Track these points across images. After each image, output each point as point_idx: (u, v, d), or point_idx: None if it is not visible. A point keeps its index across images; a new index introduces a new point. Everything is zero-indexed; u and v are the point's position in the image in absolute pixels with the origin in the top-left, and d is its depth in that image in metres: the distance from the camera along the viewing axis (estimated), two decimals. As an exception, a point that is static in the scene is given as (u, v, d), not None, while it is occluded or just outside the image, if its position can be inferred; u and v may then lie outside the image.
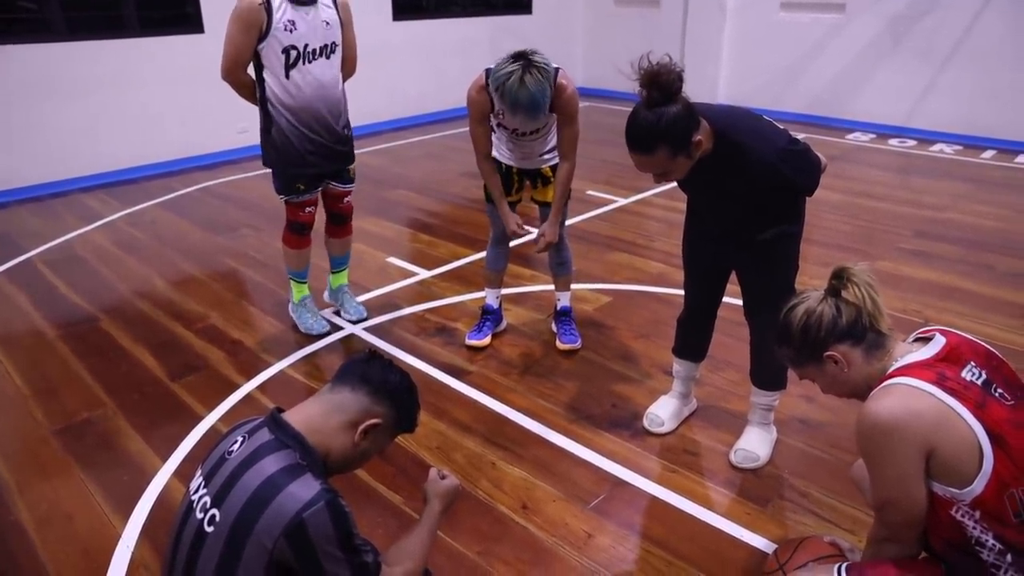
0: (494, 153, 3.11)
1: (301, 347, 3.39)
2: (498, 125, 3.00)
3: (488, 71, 2.76)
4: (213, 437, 2.73)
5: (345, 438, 1.49)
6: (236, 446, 1.43)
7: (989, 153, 7.00)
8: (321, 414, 1.49)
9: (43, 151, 5.92)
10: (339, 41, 3.18)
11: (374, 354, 1.62)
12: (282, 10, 2.99)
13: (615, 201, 5.50)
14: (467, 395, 2.99)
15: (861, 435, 1.51)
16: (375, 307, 3.76)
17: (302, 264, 3.50)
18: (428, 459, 2.60)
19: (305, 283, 3.55)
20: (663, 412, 2.74)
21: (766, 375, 2.52)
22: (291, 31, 3.01)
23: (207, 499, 1.38)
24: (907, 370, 1.51)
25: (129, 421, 2.86)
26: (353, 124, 3.43)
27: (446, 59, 8.32)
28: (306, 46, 3.05)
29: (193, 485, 1.46)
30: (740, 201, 2.22)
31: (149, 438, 2.75)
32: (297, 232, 3.40)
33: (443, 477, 1.76)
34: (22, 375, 3.22)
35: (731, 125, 2.07)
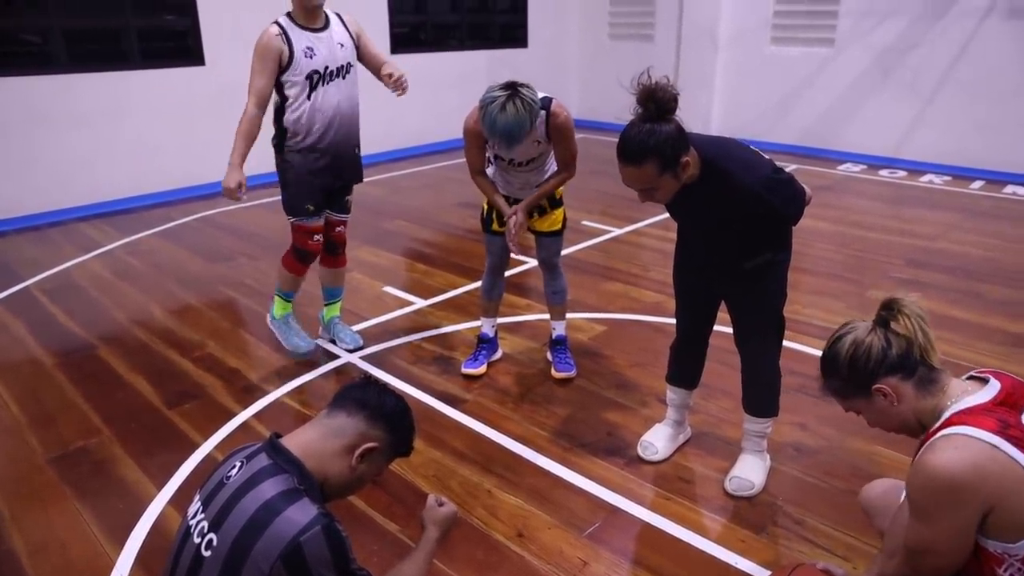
0: None
1: (297, 375, 3.40)
2: (494, 156, 3.06)
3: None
4: (209, 465, 2.73)
5: (342, 462, 1.50)
6: (234, 471, 1.45)
7: (978, 183, 7.10)
8: (318, 439, 1.51)
9: (43, 181, 5.98)
10: (354, 61, 3.26)
11: (370, 379, 1.65)
12: (300, 38, 3.08)
13: (610, 231, 5.56)
14: (463, 423, 3.00)
15: (918, 487, 1.44)
16: (371, 336, 3.78)
17: (295, 288, 3.52)
18: (424, 487, 2.60)
19: (290, 303, 3.53)
20: (657, 440, 2.76)
21: (757, 403, 2.54)
22: (311, 57, 3.10)
23: (204, 524, 1.39)
24: (967, 416, 1.45)
25: (125, 449, 2.86)
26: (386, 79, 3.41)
27: (444, 91, 8.44)
28: (326, 68, 3.14)
29: (191, 510, 1.47)
30: (727, 228, 2.27)
31: (145, 466, 2.75)
32: (300, 260, 3.42)
33: (441, 504, 1.78)
34: (18, 403, 3.22)
35: (718, 154, 2.12)
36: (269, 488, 1.37)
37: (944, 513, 1.41)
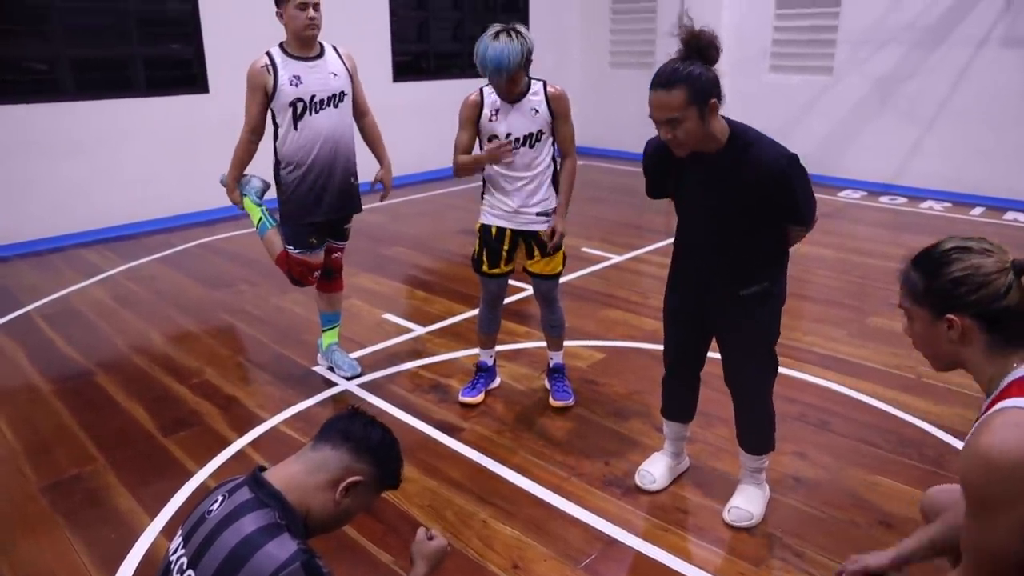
0: (482, 217, 3.17)
1: (294, 403, 3.39)
2: (490, 139, 3.02)
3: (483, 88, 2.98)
4: (203, 494, 2.71)
5: (326, 496, 1.48)
6: (216, 505, 1.43)
7: (978, 210, 7.10)
8: (302, 472, 1.49)
9: (46, 206, 6.02)
10: (348, 91, 3.29)
11: (356, 411, 1.63)
12: (287, 67, 3.13)
13: (610, 258, 5.56)
14: (459, 452, 2.98)
15: (972, 476, 1.29)
16: (369, 363, 3.77)
17: (333, 306, 3.64)
18: (419, 517, 2.57)
19: (334, 330, 3.67)
20: (655, 470, 2.73)
21: (751, 440, 2.52)
22: (297, 85, 3.14)
23: (184, 560, 1.38)
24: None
25: (119, 477, 2.84)
26: (375, 174, 3.52)
27: (445, 119, 8.42)
28: (312, 97, 3.16)
29: (172, 545, 1.45)
30: (734, 221, 2.21)
31: (139, 495, 2.73)
32: (294, 283, 3.49)
33: (431, 538, 1.75)
34: (14, 430, 3.21)
35: (747, 129, 2.17)
36: (250, 523, 1.36)
37: (1005, 505, 1.23)
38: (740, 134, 2.15)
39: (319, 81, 3.18)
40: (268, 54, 3.17)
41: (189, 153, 6.64)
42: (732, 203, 2.21)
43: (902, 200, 7.54)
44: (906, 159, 7.87)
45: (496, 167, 3.03)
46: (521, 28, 2.83)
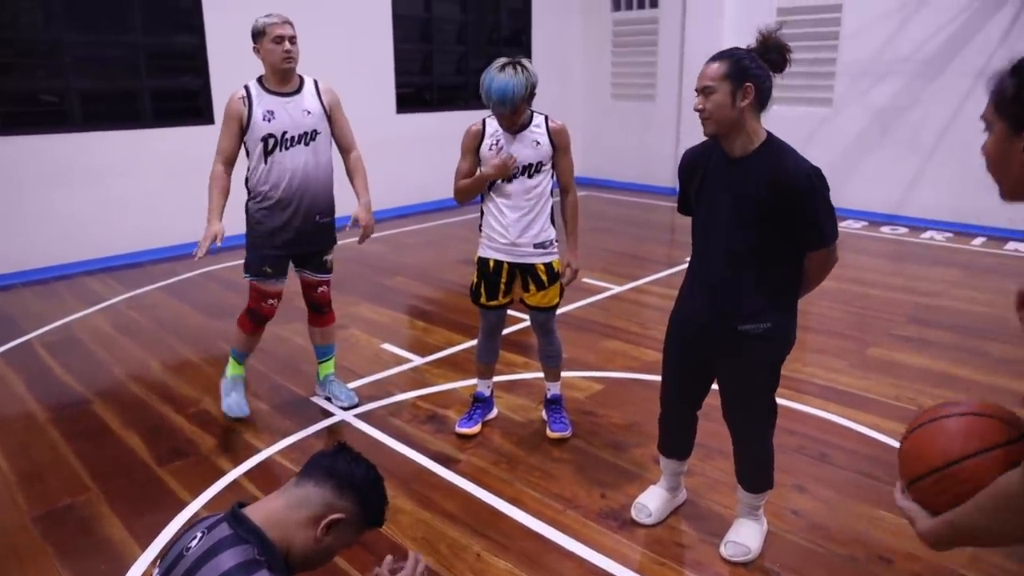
0: (480, 250, 3.18)
1: (291, 433, 3.37)
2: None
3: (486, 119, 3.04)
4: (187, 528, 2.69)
5: (307, 534, 1.47)
6: (195, 542, 1.42)
7: (979, 240, 7.10)
8: (283, 508, 1.48)
9: (52, 235, 6.07)
10: (321, 129, 3.27)
11: (343, 447, 1.61)
12: (262, 101, 3.15)
13: (610, 289, 5.56)
14: (455, 484, 2.96)
15: None
16: (367, 394, 3.75)
17: (248, 348, 3.53)
18: (412, 549, 2.54)
19: (242, 365, 3.56)
20: (651, 503, 2.70)
21: (750, 479, 2.50)
22: (269, 120, 3.15)
23: None
24: None
25: (112, 507, 2.82)
26: (352, 212, 3.46)
27: (448, 150, 8.49)
28: (284, 134, 3.17)
29: None
30: (749, 225, 2.16)
31: (131, 525, 2.71)
32: (253, 320, 3.43)
33: (395, 571, 1.70)
34: (8, 459, 3.20)
35: (783, 143, 2.20)
36: (228, 559, 1.34)
37: None
38: (774, 143, 2.18)
39: (291, 118, 3.19)
40: (246, 87, 3.20)
41: (195, 183, 6.65)
42: (747, 211, 2.16)
43: (903, 230, 7.55)
44: (907, 189, 7.89)
45: (496, 197, 3.05)
46: (526, 62, 2.88)
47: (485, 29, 9.54)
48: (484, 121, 3.07)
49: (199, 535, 1.44)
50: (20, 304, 5.30)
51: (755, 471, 2.47)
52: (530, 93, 2.87)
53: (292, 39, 3.15)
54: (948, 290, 5.51)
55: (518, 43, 9.80)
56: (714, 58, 2.16)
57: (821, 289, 5.58)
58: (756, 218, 2.15)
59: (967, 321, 4.81)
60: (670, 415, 2.63)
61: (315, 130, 3.25)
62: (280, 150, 3.18)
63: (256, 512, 1.47)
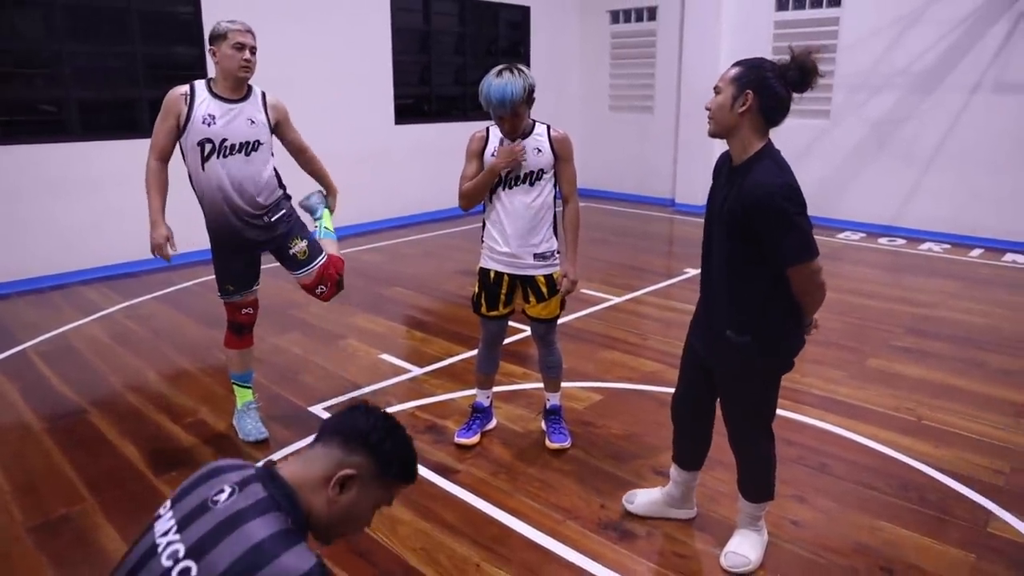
0: (482, 261, 3.19)
1: (289, 443, 3.35)
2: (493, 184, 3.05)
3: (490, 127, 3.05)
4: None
5: (322, 496, 1.39)
6: (223, 497, 1.33)
7: (977, 251, 7.12)
8: (299, 471, 1.41)
9: (50, 245, 6.05)
10: (264, 140, 3.21)
11: (356, 405, 1.52)
12: (205, 103, 3.07)
13: (609, 299, 5.56)
14: (454, 494, 2.94)
15: None
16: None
17: (244, 366, 3.47)
18: (412, 560, 2.52)
19: (249, 388, 3.50)
20: (639, 495, 2.76)
21: (750, 489, 2.49)
22: (209, 124, 3.06)
23: (180, 548, 1.27)
24: None
25: (108, 518, 2.80)
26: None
27: (446, 161, 8.55)
28: (223, 141, 3.09)
29: (161, 526, 1.34)
30: (728, 233, 2.18)
31: (127, 536, 2.68)
32: (235, 332, 3.41)
33: None
34: (3, 469, 3.17)
35: (775, 155, 2.18)
36: (261, 527, 1.26)
37: None
38: (762, 154, 2.15)
39: (233, 127, 3.10)
40: (191, 84, 3.09)
41: (191, 192, 6.68)
42: (727, 219, 2.17)
43: (901, 241, 7.57)
44: (904, 201, 7.93)
45: (497, 207, 3.06)
46: (523, 67, 2.90)
47: (483, 41, 9.59)
48: (488, 129, 3.08)
49: (228, 490, 1.34)
50: (15, 313, 5.28)
51: (752, 481, 2.47)
52: (529, 95, 2.87)
53: (253, 49, 3.09)
54: (946, 301, 5.51)
55: (516, 54, 9.85)
56: (735, 63, 2.22)
57: (819, 300, 5.58)
58: (729, 229, 2.17)
59: (965, 332, 4.82)
60: (673, 416, 2.65)
61: (257, 140, 3.17)
62: (218, 157, 3.09)
63: (283, 474, 1.39)
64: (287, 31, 6.83)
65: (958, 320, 5.07)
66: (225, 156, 3.11)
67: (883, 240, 7.66)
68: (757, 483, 2.47)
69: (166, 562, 1.26)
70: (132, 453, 3.30)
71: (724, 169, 2.30)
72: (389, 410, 3.65)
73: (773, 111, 2.15)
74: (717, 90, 2.20)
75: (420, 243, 7.55)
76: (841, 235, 7.88)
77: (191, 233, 6.74)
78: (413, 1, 8.54)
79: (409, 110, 8.68)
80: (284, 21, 7.01)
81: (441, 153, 8.67)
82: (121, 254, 6.44)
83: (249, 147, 3.15)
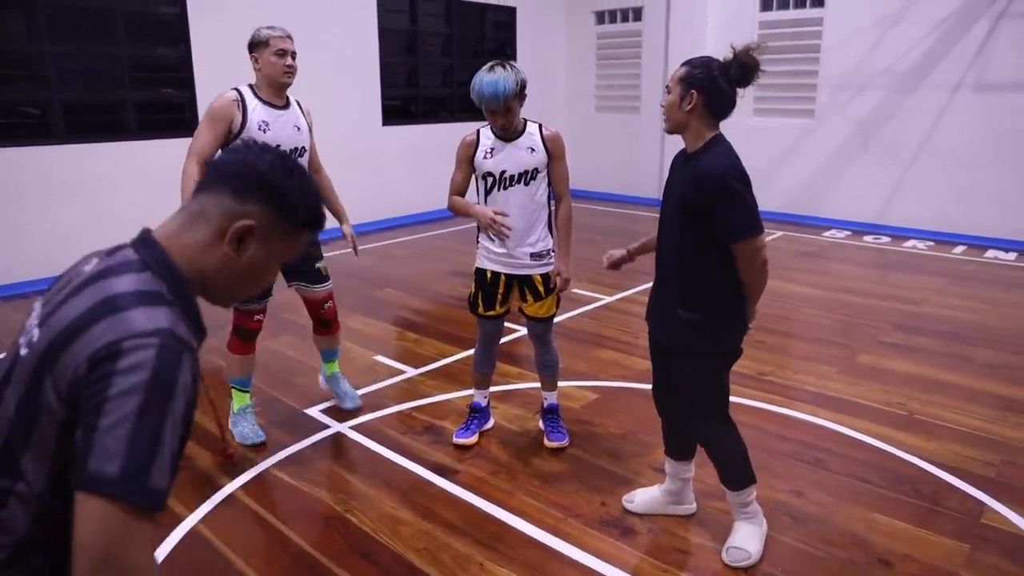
0: (478, 261, 3.20)
1: (286, 446, 3.35)
2: (484, 176, 3.06)
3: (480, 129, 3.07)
4: (193, 539, 2.66)
5: (218, 253, 1.16)
6: (88, 267, 1.14)
7: (960, 248, 7.23)
8: (179, 231, 1.16)
9: (35, 249, 5.98)
10: (307, 146, 3.24)
11: (246, 143, 1.28)
12: (257, 109, 3.07)
13: (600, 299, 5.59)
14: (454, 494, 2.95)
15: None
16: (362, 406, 3.73)
17: (246, 372, 3.42)
18: (415, 561, 2.53)
19: (247, 392, 3.46)
20: (639, 494, 2.81)
21: (723, 476, 2.54)
22: (264, 131, 3.06)
23: (36, 325, 1.10)
24: None
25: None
26: (341, 228, 3.48)
27: (434, 161, 8.59)
28: (277, 147, 3.08)
29: (28, 321, 1.15)
30: (679, 216, 2.33)
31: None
32: (243, 338, 3.35)
33: None
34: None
35: (726, 146, 2.30)
36: (123, 283, 1.06)
37: None
38: (715, 142, 2.29)
39: (285, 133, 3.11)
40: (238, 90, 3.09)
41: (178, 195, 6.65)
42: (678, 202, 2.33)
43: (886, 239, 7.66)
44: (889, 199, 8.03)
45: (492, 205, 3.07)
46: (513, 63, 2.93)
47: (470, 42, 9.60)
48: (478, 131, 3.09)
49: (95, 260, 1.16)
50: (2, 319, 5.22)
51: (722, 467, 2.53)
52: (521, 90, 2.90)
53: (294, 54, 3.12)
54: (931, 297, 5.60)
55: (503, 55, 9.86)
56: (683, 63, 2.35)
57: (807, 297, 5.67)
58: (684, 210, 2.31)
59: (951, 328, 4.89)
60: (656, 406, 2.75)
61: (303, 147, 3.21)
62: None
63: (157, 236, 1.16)
64: (274, 33, 6.80)
65: (944, 316, 5.15)
66: None
67: (868, 238, 7.76)
68: (727, 470, 2.52)
69: (21, 340, 1.11)
70: (128, 458, 3.27)
71: (679, 160, 2.44)
72: (386, 412, 3.67)
73: (719, 106, 2.29)
74: (668, 90, 2.33)
75: (409, 244, 7.55)
76: (826, 233, 7.96)
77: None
78: (400, 2, 8.54)
79: (396, 111, 8.67)
80: (271, 21, 6.93)
81: (429, 154, 8.67)
82: (108, 258, 6.38)
83: (296, 153, 3.16)
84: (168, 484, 1.00)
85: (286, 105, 3.19)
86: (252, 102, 3.09)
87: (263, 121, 3.08)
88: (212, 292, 1.21)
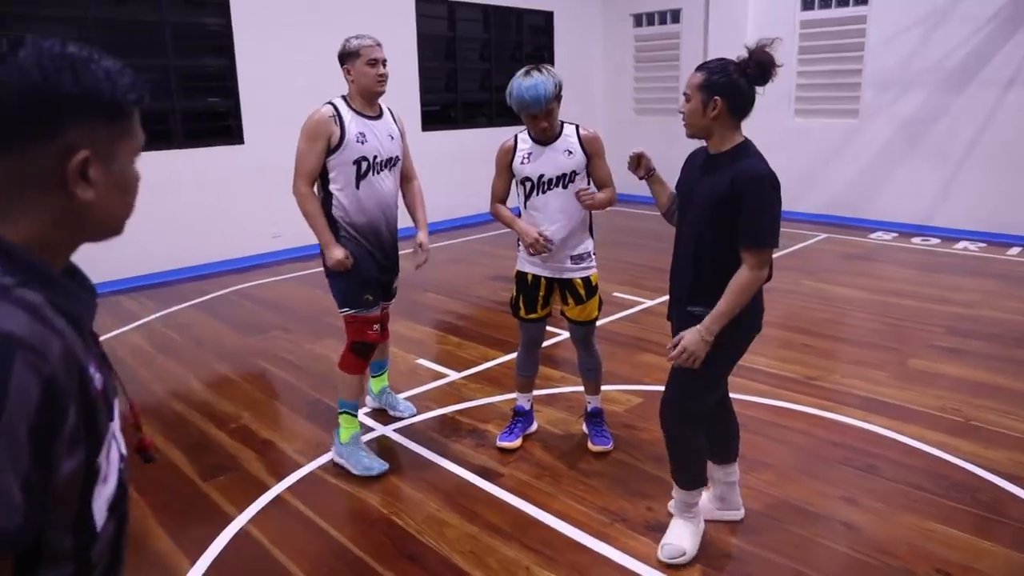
0: (519, 264, 3.20)
1: (331, 448, 3.38)
2: (522, 181, 3.06)
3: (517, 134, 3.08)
4: (243, 539, 2.70)
5: (66, 204, 0.91)
6: None
7: (1015, 250, 7.01)
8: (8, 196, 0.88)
9: (84, 254, 6.09)
10: (401, 155, 3.22)
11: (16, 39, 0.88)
12: (353, 122, 3.03)
13: (641, 303, 5.55)
14: (500, 498, 2.95)
15: None
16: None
17: (358, 393, 3.26)
18: (461, 564, 2.53)
19: (356, 416, 3.25)
20: (678, 539, 2.54)
21: (682, 477, 2.52)
22: (362, 143, 3.03)
23: None
24: None
25: (158, 521, 2.84)
26: (417, 238, 3.46)
27: (473, 166, 8.62)
28: (375, 157, 3.07)
29: None
30: (706, 213, 2.29)
31: (179, 539, 2.72)
32: (362, 355, 3.18)
33: None
34: (56, 476, 3.22)
35: (757, 153, 2.28)
36: None
37: None
38: (747, 145, 2.28)
39: (381, 143, 3.09)
40: (332, 104, 3.04)
41: (224, 202, 6.79)
42: (709, 199, 2.28)
43: (935, 241, 7.46)
44: (937, 200, 7.82)
45: (532, 211, 3.07)
46: (547, 65, 2.93)
47: (508, 46, 9.63)
48: (516, 137, 3.09)
49: None
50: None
51: (683, 468, 2.51)
52: (558, 92, 2.89)
53: (385, 62, 3.06)
54: (985, 300, 5.43)
55: (540, 60, 9.82)
56: (698, 67, 2.30)
57: (856, 301, 5.56)
58: (716, 208, 2.27)
59: (1006, 331, 4.74)
60: None
61: (397, 156, 3.18)
62: (372, 174, 3.05)
63: None
64: (314, 39, 6.89)
65: (998, 319, 4.99)
66: (377, 172, 3.09)
67: (916, 240, 7.56)
68: (690, 472, 2.50)
69: None
70: (179, 459, 3.34)
71: (700, 160, 2.41)
72: (429, 415, 3.68)
73: (741, 108, 2.26)
74: (687, 96, 2.28)
75: (449, 249, 7.58)
76: (873, 235, 7.79)
77: (225, 241, 6.85)
78: (438, 8, 8.61)
79: (436, 117, 8.74)
80: (311, 29, 7.09)
81: (468, 159, 8.71)
82: (154, 263, 6.54)
83: (391, 162, 3.15)
84: (23, 520, 0.75)
85: (379, 114, 3.14)
86: (347, 115, 3.03)
87: (360, 133, 3.03)
88: (93, 232, 1.01)
